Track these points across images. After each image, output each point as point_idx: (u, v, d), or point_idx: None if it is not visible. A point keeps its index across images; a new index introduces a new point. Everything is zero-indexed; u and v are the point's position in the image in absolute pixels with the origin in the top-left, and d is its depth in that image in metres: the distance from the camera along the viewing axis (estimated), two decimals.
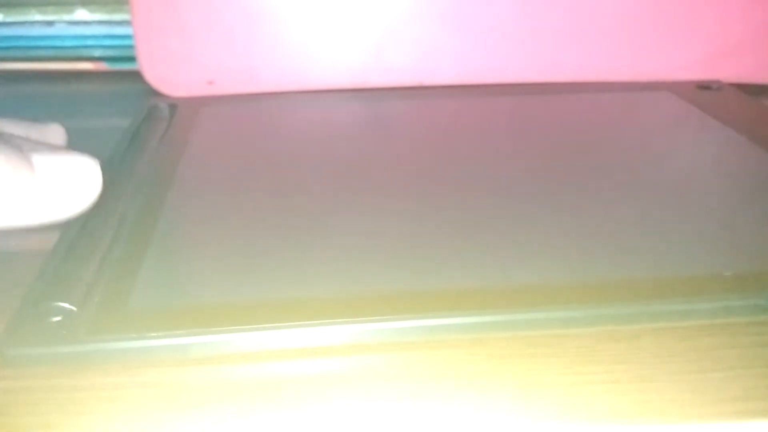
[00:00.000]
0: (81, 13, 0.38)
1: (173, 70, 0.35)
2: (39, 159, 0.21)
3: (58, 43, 0.38)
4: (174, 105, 0.34)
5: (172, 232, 0.23)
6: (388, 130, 0.32)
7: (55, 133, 0.26)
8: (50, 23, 0.38)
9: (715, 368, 0.17)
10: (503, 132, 0.32)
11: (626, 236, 0.22)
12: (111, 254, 0.21)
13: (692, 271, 0.20)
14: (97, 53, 0.39)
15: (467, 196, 0.25)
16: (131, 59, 0.36)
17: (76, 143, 0.25)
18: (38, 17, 0.38)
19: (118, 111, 0.25)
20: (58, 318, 0.18)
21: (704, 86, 0.36)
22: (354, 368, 0.18)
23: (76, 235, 0.22)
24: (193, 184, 0.26)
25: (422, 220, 0.23)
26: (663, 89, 0.36)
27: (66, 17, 0.38)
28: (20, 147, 0.21)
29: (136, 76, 0.36)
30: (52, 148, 0.22)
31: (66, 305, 0.19)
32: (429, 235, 0.22)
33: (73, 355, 0.18)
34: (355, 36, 0.36)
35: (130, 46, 0.36)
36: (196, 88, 0.36)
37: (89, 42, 0.38)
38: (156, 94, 0.36)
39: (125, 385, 0.17)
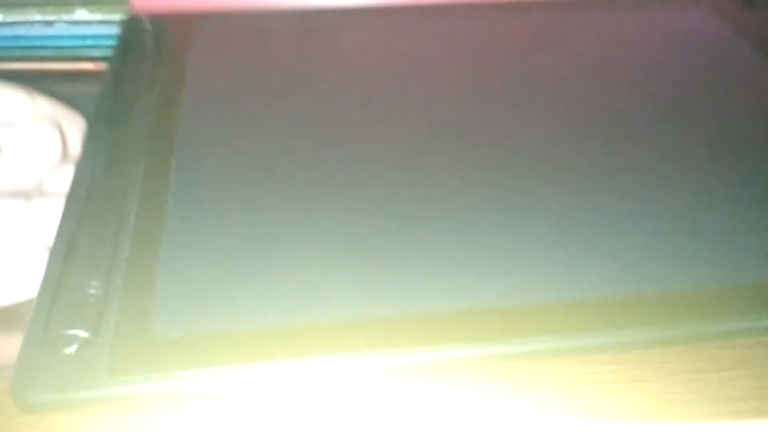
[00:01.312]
0: (81, 13, 0.38)
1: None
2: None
3: (58, 43, 0.38)
4: (160, 26, 0.29)
5: (185, 225, 0.19)
6: (393, 49, 0.29)
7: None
8: (50, 23, 0.38)
9: (715, 368, 0.17)
10: (523, 54, 0.28)
11: (653, 236, 0.20)
12: (118, 260, 0.18)
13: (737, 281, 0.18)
14: (97, 53, 0.39)
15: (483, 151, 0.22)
16: None
17: None
18: (38, 17, 0.38)
19: None
20: (73, 348, 0.16)
21: (749, 1, 0.32)
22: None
23: (73, 236, 0.19)
24: (198, 146, 0.22)
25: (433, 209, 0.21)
26: (701, 4, 0.32)
27: (66, 17, 0.38)
28: None
29: None
30: (13, 121, 0.21)
31: (79, 332, 0.16)
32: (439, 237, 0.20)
33: (96, 399, 0.15)
34: None
35: None
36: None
37: (89, 42, 0.38)
38: None
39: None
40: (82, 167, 0.21)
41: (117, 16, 0.38)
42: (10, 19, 0.38)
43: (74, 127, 0.24)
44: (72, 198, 0.20)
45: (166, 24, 0.30)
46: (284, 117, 0.24)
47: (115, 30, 0.38)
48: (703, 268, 0.19)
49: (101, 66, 0.39)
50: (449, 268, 0.19)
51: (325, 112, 0.24)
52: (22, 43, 0.38)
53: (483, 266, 0.19)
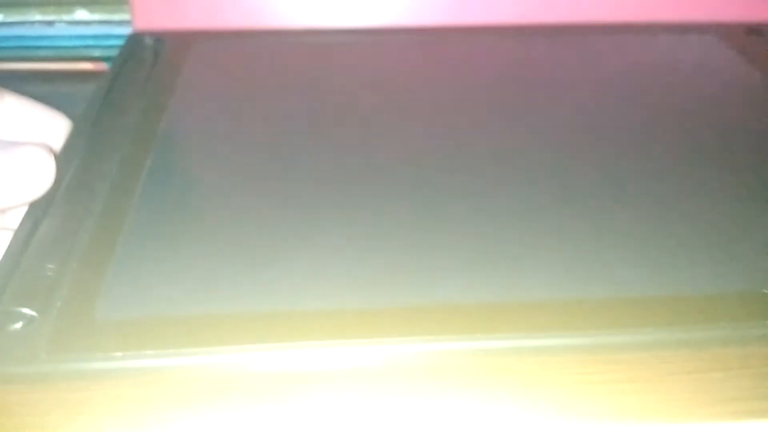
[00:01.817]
0: (81, 13, 0.38)
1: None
2: None
3: (58, 43, 0.38)
4: (160, 40, 0.31)
5: (148, 219, 0.20)
6: (389, 73, 0.29)
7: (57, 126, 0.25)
8: (50, 23, 0.38)
9: (715, 368, 0.17)
10: (528, 78, 0.29)
11: (652, 245, 0.20)
12: (77, 246, 0.19)
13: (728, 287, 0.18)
14: (97, 53, 0.39)
15: (486, 170, 0.23)
16: None
17: None
18: (38, 17, 0.38)
19: None
20: (18, 325, 0.16)
21: (755, 30, 0.33)
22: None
23: (38, 221, 0.20)
24: (176, 149, 0.23)
25: (427, 214, 0.21)
26: (710, 32, 0.33)
27: (66, 17, 0.38)
28: None
29: None
30: (7, 141, 0.21)
31: (27, 311, 0.17)
32: (436, 237, 0.20)
33: (34, 374, 0.16)
34: None
35: None
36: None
37: (89, 42, 0.38)
38: None
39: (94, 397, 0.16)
40: (60, 161, 0.22)
41: (117, 16, 0.38)
42: (10, 19, 0.38)
43: (55, 126, 0.24)
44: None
45: (167, 40, 0.31)
46: (266, 127, 0.24)
47: (115, 30, 0.38)
48: (696, 274, 0.19)
49: (101, 66, 0.39)
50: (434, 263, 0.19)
51: (309, 122, 0.25)
52: (22, 43, 0.38)
53: (483, 264, 0.19)
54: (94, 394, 0.16)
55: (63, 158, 0.22)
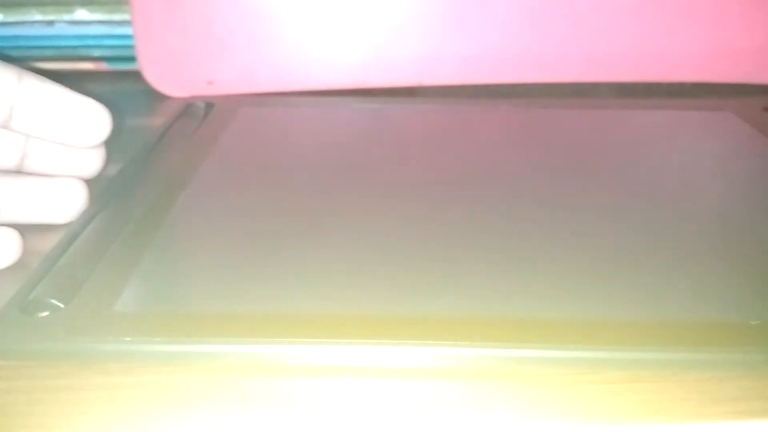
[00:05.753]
0: (81, 13, 0.38)
1: (173, 69, 0.35)
2: None
3: (58, 43, 0.38)
4: (210, 104, 0.34)
5: (174, 236, 0.23)
6: (424, 141, 0.31)
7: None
8: (50, 23, 0.38)
9: (715, 368, 0.17)
10: (550, 151, 0.30)
11: (653, 277, 0.20)
12: (109, 255, 0.21)
13: (719, 318, 0.19)
14: (97, 53, 0.39)
15: (483, 222, 0.24)
16: (131, 59, 0.36)
17: None
18: (38, 17, 0.38)
19: (119, 111, 0.25)
20: (45, 313, 0.18)
21: None
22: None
23: (79, 233, 0.22)
24: (208, 188, 0.26)
25: (434, 246, 0.22)
26: (727, 110, 0.33)
27: (66, 17, 0.38)
28: None
29: (136, 76, 0.36)
30: None
31: (54, 302, 0.19)
32: (438, 259, 0.21)
33: (50, 353, 0.18)
34: (355, 35, 0.36)
35: (130, 46, 0.36)
36: (196, 88, 0.35)
37: (89, 42, 0.38)
38: (156, 93, 0.36)
39: (121, 386, 0.17)
40: (106, 189, 0.25)
41: (117, 16, 0.38)
42: (10, 19, 0.38)
43: (79, 106, 0.24)
44: (96, 199, 0.24)
45: (216, 105, 0.34)
46: (291, 189, 0.26)
47: (115, 30, 0.38)
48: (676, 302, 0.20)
49: (101, 66, 0.40)
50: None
51: (329, 195, 0.26)
52: (22, 43, 0.38)
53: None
54: (106, 380, 0.17)
55: (108, 187, 0.26)
